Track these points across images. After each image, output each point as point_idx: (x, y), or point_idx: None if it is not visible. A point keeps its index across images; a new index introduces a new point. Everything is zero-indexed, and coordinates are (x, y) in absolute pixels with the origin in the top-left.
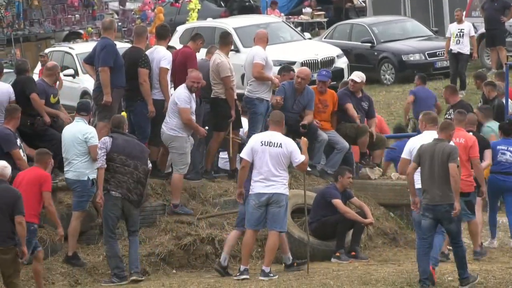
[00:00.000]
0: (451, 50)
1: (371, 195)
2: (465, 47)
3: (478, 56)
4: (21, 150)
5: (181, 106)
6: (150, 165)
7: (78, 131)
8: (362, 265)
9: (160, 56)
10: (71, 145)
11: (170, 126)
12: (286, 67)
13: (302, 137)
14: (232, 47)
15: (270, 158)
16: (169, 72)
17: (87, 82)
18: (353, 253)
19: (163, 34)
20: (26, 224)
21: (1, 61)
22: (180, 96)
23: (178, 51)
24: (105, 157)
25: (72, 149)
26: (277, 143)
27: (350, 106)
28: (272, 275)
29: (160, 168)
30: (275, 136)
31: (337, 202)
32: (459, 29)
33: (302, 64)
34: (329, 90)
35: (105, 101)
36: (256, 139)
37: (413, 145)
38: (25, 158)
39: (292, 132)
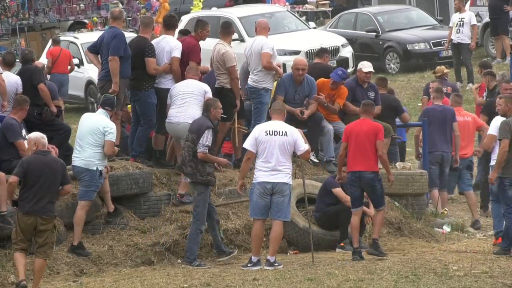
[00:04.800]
0: (452, 40)
1: None
2: (465, 37)
3: (475, 46)
4: (25, 141)
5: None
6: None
7: (99, 122)
8: (367, 254)
9: (172, 46)
10: (87, 133)
11: (192, 115)
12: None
13: (298, 128)
14: (237, 37)
15: (276, 147)
16: None
17: (92, 71)
18: None
19: (171, 24)
20: (373, 175)
21: (13, 52)
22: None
23: (182, 41)
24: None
25: (88, 137)
26: (283, 132)
27: (347, 104)
28: (277, 264)
29: (168, 158)
30: (279, 125)
31: (337, 191)
32: (459, 18)
33: (307, 54)
34: (342, 87)
35: (112, 90)
36: (260, 129)
37: (498, 123)
38: None
39: (296, 123)
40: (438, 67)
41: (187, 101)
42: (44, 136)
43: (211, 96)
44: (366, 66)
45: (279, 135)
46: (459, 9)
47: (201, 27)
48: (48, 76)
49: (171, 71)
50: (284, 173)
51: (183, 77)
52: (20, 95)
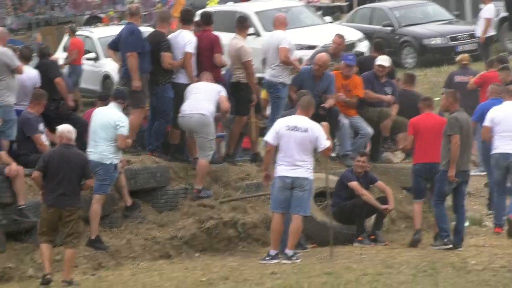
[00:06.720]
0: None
1: (393, 179)
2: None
3: (484, 40)
4: (43, 136)
5: (225, 94)
6: None
7: (110, 116)
8: (385, 248)
9: (186, 40)
10: (99, 127)
11: (206, 111)
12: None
13: (322, 122)
14: (253, 31)
15: (296, 142)
16: (194, 57)
17: (108, 66)
18: (372, 236)
19: (188, 19)
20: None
21: (30, 47)
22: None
23: (201, 35)
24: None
25: (100, 132)
26: (304, 128)
27: (368, 92)
28: (295, 258)
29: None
30: (301, 120)
31: (353, 184)
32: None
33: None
34: (355, 76)
35: (134, 86)
36: (282, 123)
37: (493, 114)
38: (47, 143)
39: (313, 117)
40: (462, 55)
41: (200, 96)
42: (72, 129)
43: (225, 94)
44: (380, 59)
45: (300, 131)
46: (483, 2)
47: (211, 19)
48: (65, 69)
49: (185, 66)
50: (304, 168)
51: (199, 71)
52: (37, 89)
